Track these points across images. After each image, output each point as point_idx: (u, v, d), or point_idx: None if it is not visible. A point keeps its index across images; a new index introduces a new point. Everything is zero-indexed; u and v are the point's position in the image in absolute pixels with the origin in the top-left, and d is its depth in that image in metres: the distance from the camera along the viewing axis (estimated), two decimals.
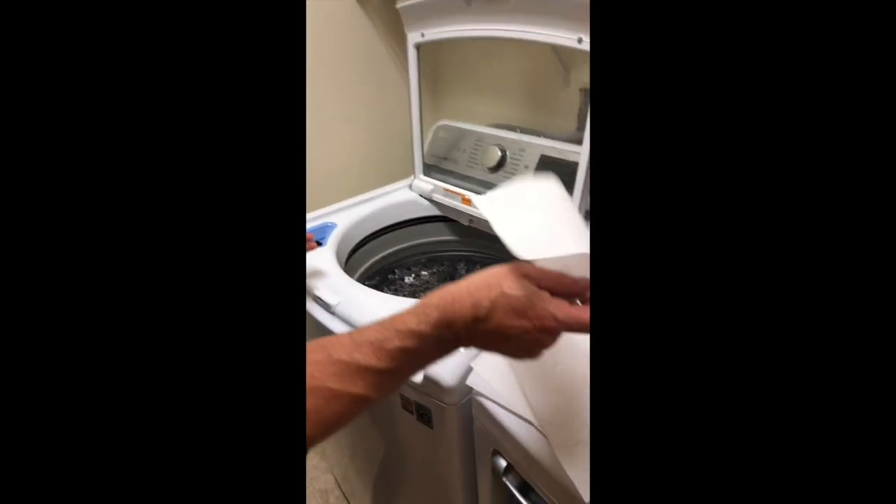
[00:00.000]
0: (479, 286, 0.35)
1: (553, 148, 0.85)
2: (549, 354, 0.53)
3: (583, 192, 0.75)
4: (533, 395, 0.49)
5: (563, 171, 0.82)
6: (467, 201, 0.94)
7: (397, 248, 1.04)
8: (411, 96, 0.96)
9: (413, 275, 1.02)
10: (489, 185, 0.93)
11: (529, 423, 0.48)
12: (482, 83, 1.26)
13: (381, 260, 1.03)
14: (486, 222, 0.92)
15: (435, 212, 1.04)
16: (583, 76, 1.04)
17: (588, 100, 0.72)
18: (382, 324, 0.36)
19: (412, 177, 1.07)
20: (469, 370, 0.55)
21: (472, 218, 0.96)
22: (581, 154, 0.74)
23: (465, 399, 0.57)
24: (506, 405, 0.50)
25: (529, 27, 0.73)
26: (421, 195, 1.03)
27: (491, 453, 0.55)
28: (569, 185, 0.77)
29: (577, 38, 0.69)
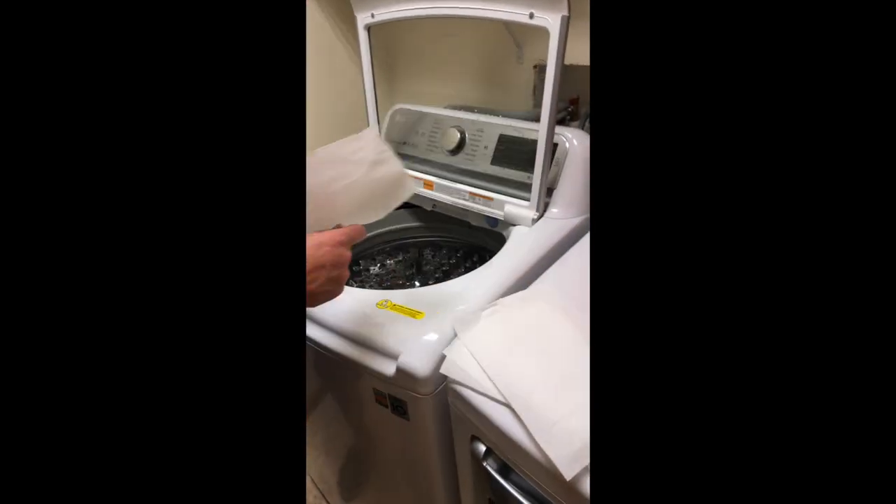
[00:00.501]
0: None
1: (511, 126, 0.84)
2: (517, 342, 0.53)
3: (542, 169, 0.75)
4: (503, 382, 0.49)
5: (523, 150, 0.81)
6: (429, 185, 0.92)
7: None
8: (364, 80, 0.93)
9: (378, 264, 0.99)
10: (450, 168, 0.91)
11: (506, 405, 0.47)
12: (437, 64, 1.23)
13: None
14: (449, 206, 0.91)
15: None
16: (536, 53, 1.03)
17: (543, 76, 0.71)
18: None
19: None
20: (442, 358, 0.54)
21: (435, 203, 0.94)
22: (539, 132, 0.73)
23: (440, 388, 0.56)
24: (481, 390, 0.50)
25: (480, 3, 0.72)
26: None
27: (469, 439, 0.55)
28: (529, 163, 0.77)
29: (528, 14, 0.68)
